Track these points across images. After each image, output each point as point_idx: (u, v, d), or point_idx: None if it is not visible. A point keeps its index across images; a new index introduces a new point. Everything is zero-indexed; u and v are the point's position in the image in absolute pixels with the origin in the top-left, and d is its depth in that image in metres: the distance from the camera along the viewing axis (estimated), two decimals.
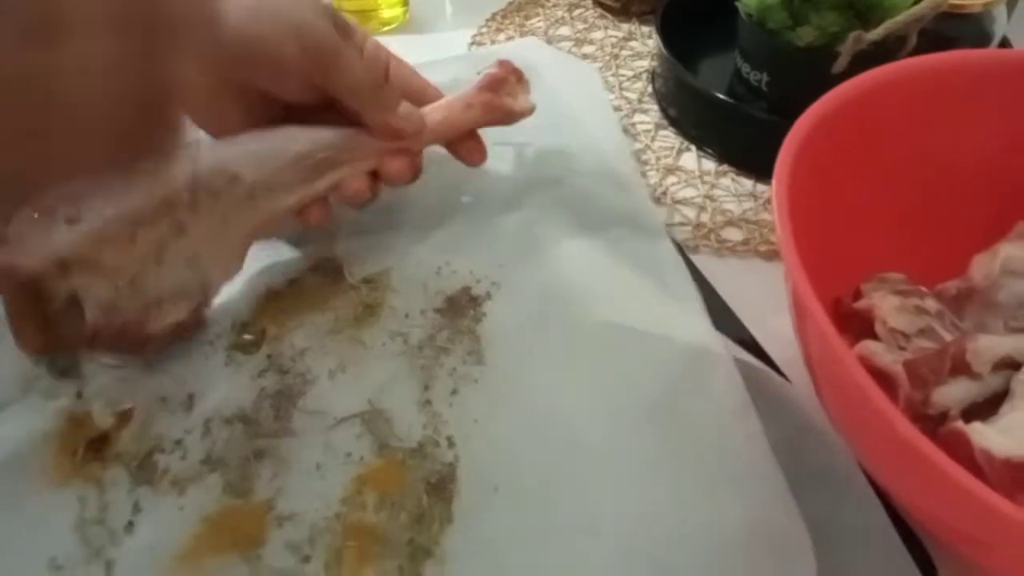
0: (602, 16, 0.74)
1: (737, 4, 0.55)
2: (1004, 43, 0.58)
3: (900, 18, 0.49)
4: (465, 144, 0.47)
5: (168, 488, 0.38)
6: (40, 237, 0.34)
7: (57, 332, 0.36)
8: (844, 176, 0.42)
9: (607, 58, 0.68)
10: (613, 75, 0.66)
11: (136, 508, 0.37)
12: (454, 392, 0.41)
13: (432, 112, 0.45)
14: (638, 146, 0.59)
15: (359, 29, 0.41)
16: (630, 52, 0.69)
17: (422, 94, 0.46)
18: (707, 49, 0.63)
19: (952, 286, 0.43)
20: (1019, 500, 0.30)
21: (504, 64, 0.48)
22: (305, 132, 0.41)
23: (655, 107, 0.63)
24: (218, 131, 0.40)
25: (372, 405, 0.41)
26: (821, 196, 0.38)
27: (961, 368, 0.35)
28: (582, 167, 0.51)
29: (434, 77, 0.49)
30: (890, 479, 0.34)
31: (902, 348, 0.39)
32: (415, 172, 0.45)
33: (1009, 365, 0.35)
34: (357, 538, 0.35)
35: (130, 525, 0.36)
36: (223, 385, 0.41)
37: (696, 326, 0.41)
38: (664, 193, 0.56)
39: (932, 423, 0.35)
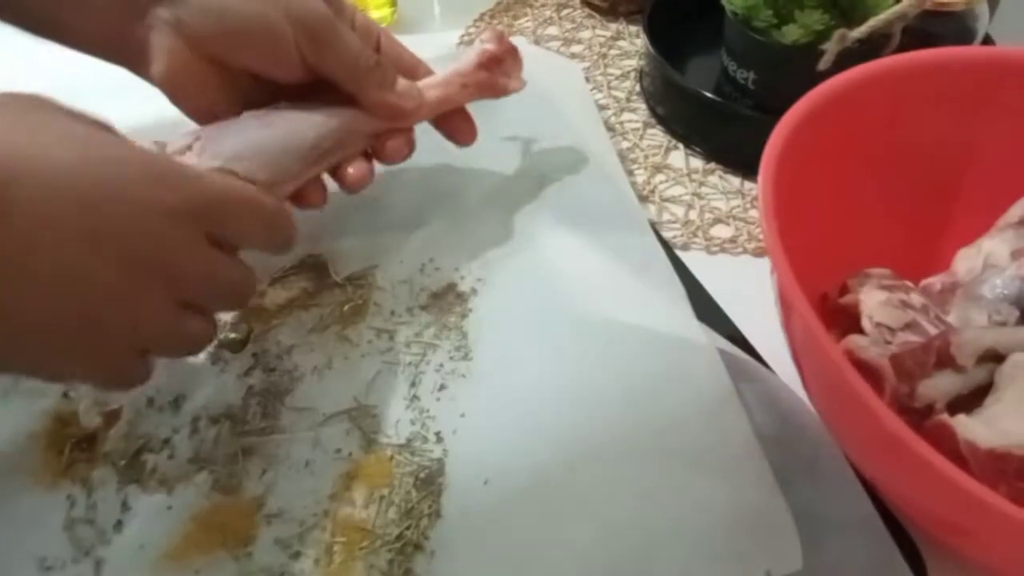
0: (590, 16, 0.74)
1: (723, 3, 0.55)
2: (987, 40, 0.59)
3: (884, 16, 0.49)
4: (455, 122, 0.45)
5: (156, 487, 0.37)
6: None
7: None
8: (829, 172, 0.42)
9: (595, 57, 0.69)
10: (601, 74, 0.67)
11: (125, 507, 0.37)
12: (441, 388, 0.41)
13: (428, 89, 0.43)
14: (626, 144, 0.60)
15: (350, 4, 0.40)
16: (618, 51, 0.69)
17: (414, 71, 0.45)
18: (694, 48, 0.64)
19: (937, 281, 0.43)
20: (1002, 490, 0.30)
21: (502, 41, 0.46)
22: (306, 118, 0.39)
23: (643, 106, 0.63)
24: (206, 116, 0.39)
25: (359, 402, 0.41)
26: (807, 192, 0.39)
27: (946, 361, 0.35)
28: (565, 163, 0.52)
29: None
30: (876, 470, 0.34)
31: (888, 342, 0.39)
32: (411, 147, 0.44)
33: (993, 358, 0.36)
34: (347, 533, 0.35)
35: (119, 524, 0.36)
36: (210, 384, 0.41)
37: (679, 317, 0.42)
38: (652, 191, 0.56)
39: (918, 416, 0.35)
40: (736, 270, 0.50)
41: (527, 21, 0.73)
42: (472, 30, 0.72)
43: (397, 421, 0.40)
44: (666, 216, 0.54)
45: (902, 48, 0.50)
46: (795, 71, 0.50)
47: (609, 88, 0.65)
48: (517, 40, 0.68)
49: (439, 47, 0.69)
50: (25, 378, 0.40)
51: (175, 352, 0.35)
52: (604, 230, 0.47)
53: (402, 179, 0.49)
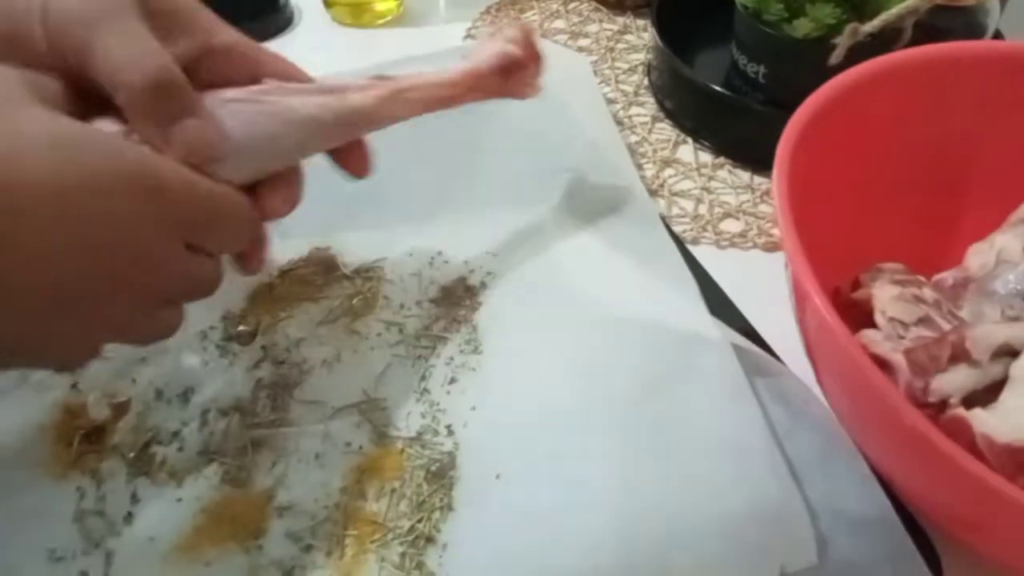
0: (597, 9, 0.74)
1: None
2: (997, 35, 0.59)
3: (896, 10, 0.49)
4: (352, 153, 0.38)
5: (166, 479, 0.37)
6: None
7: None
8: (841, 167, 0.42)
9: (602, 51, 0.68)
10: (609, 68, 0.66)
11: (134, 499, 0.37)
12: (452, 381, 0.41)
13: (432, 87, 0.39)
14: (634, 139, 0.59)
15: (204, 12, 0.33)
16: (625, 45, 0.69)
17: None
18: (703, 41, 0.63)
19: (949, 276, 0.43)
20: (1020, 484, 0.30)
21: (529, 45, 0.41)
22: (293, 115, 0.34)
23: (651, 100, 0.63)
24: None
25: (369, 395, 0.41)
26: (819, 187, 0.39)
27: (961, 355, 0.35)
28: (574, 156, 0.51)
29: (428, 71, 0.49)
30: (892, 464, 0.34)
31: (901, 337, 0.39)
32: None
33: (1007, 353, 0.35)
34: (358, 526, 0.35)
35: (129, 516, 0.36)
36: (219, 376, 0.41)
37: (691, 311, 0.42)
38: (661, 185, 0.56)
39: (931, 411, 0.35)
40: (746, 265, 0.50)
41: (534, 14, 0.73)
42: (479, 23, 0.72)
43: (408, 414, 0.40)
44: (675, 210, 0.54)
45: (913, 43, 0.50)
46: (806, 65, 0.50)
47: (617, 82, 0.65)
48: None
49: (445, 40, 0.69)
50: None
51: (142, 343, 0.33)
52: (615, 224, 0.47)
53: (411, 172, 0.49)
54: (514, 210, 0.49)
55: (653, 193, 0.55)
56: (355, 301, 0.45)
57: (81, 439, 0.38)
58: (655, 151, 0.58)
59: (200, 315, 0.43)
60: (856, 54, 0.47)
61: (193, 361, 0.42)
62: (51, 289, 0.27)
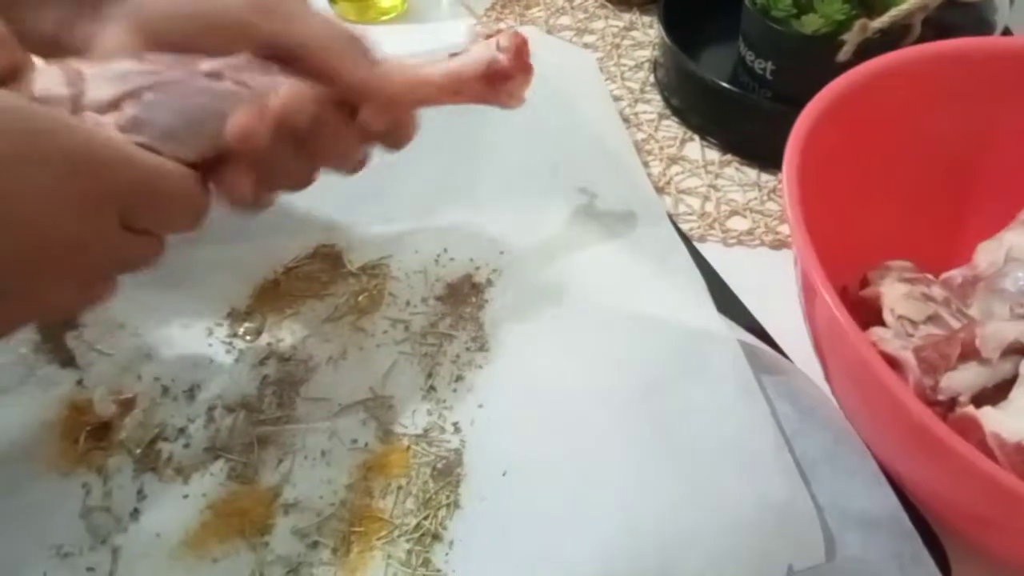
0: (603, 5, 0.73)
1: None
2: (1006, 32, 0.58)
3: (905, 7, 0.49)
4: None
5: (172, 475, 0.37)
6: None
7: None
8: (850, 163, 0.42)
9: (608, 48, 0.68)
10: (615, 65, 0.66)
11: (141, 495, 0.37)
12: (458, 378, 0.41)
13: (416, 86, 0.37)
14: (641, 136, 0.59)
15: None
16: (631, 42, 0.69)
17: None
18: (710, 38, 0.63)
19: (958, 274, 0.43)
20: None
21: (519, 55, 0.39)
22: (260, 96, 0.33)
23: (657, 97, 0.63)
24: None
25: (375, 392, 0.41)
26: (828, 184, 0.38)
27: (970, 353, 0.35)
28: (580, 153, 0.51)
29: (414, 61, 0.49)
30: (901, 462, 0.34)
31: (910, 335, 0.38)
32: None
33: (1017, 351, 0.35)
34: (364, 523, 0.35)
35: (135, 512, 0.36)
36: (225, 373, 0.41)
37: (699, 308, 0.41)
38: (668, 183, 0.55)
39: (941, 409, 0.35)
40: (753, 262, 0.50)
41: (539, 11, 0.73)
42: (484, 19, 0.72)
43: (414, 412, 0.40)
44: (682, 208, 0.54)
45: (922, 39, 0.50)
46: (814, 62, 0.50)
47: (623, 79, 0.65)
48: (529, 29, 0.68)
49: (450, 37, 0.69)
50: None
51: (69, 314, 0.34)
52: (621, 222, 0.47)
53: (416, 169, 0.49)
54: (520, 208, 0.48)
55: (660, 191, 0.55)
56: (361, 298, 0.45)
57: (87, 435, 0.38)
58: (662, 148, 0.58)
59: (206, 312, 0.43)
60: (865, 50, 0.47)
61: (199, 358, 0.42)
62: None
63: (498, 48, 0.39)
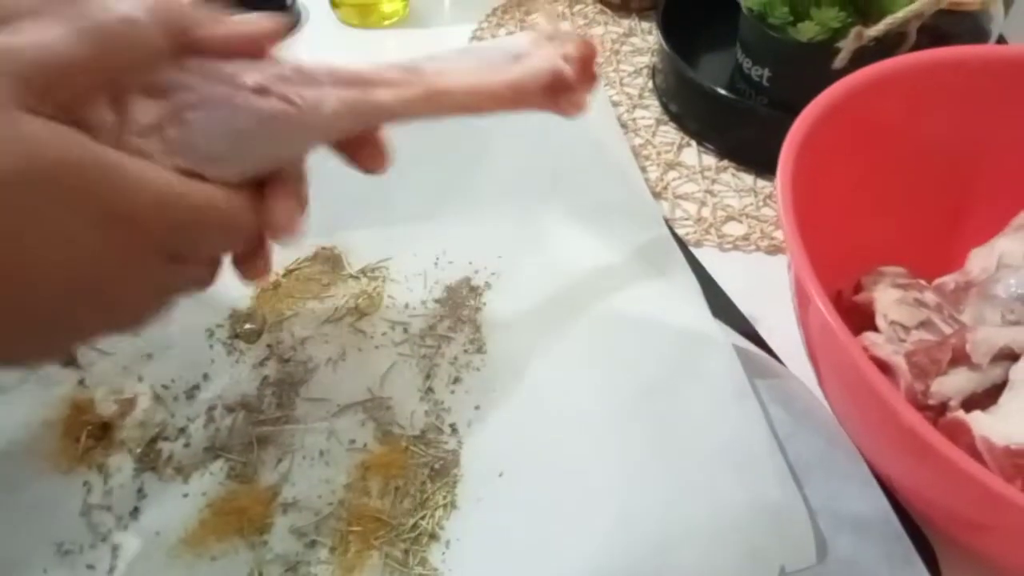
0: (602, 12, 0.74)
1: (739, 0, 0.55)
2: (1000, 40, 0.59)
3: (900, 14, 0.49)
4: (367, 150, 0.34)
5: (172, 475, 0.38)
6: None
7: None
8: (844, 170, 0.42)
9: (607, 54, 0.69)
10: (613, 70, 0.67)
11: (141, 494, 0.37)
12: (456, 380, 0.41)
13: (463, 93, 0.34)
14: (639, 141, 0.60)
15: None
16: (630, 48, 0.69)
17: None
18: (708, 45, 0.64)
19: (951, 280, 0.43)
20: (1018, 486, 0.30)
21: (587, 68, 0.36)
22: (307, 116, 0.30)
23: (656, 103, 0.63)
24: None
25: (374, 393, 0.41)
26: (822, 190, 0.39)
27: (961, 359, 0.36)
28: (578, 158, 0.51)
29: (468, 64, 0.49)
30: (891, 465, 0.34)
31: (902, 340, 0.39)
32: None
33: (1008, 356, 0.36)
34: (362, 523, 0.36)
35: (135, 511, 0.36)
36: (225, 373, 0.42)
37: (694, 313, 0.42)
38: (665, 188, 0.56)
39: (932, 414, 0.36)
40: (749, 267, 0.50)
41: (539, 16, 0.73)
42: (484, 24, 0.72)
43: (412, 413, 0.40)
44: (679, 213, 0.54)
45: (917, 47, 0.50)
46: (810, 68, 0.50)
47: (621, 84, 0.65)
48: (527, 35, 0.69)
49: (451, 41, 0.70)
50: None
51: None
52: (618, 225, 0.47)
53: (416, 173, 0.49)
54: (518, 212, 0.49)
55: (657, 196, 0.55)
56: (360, 300, 0.45)
57: (88, 434, 0.39)
58: (659, 154, 0.59)
59: (207, 313, 0.44)
60: (860, 58, 0.48)
61: (200, 358, 0.42)
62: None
63: (563, 55, 0.36)
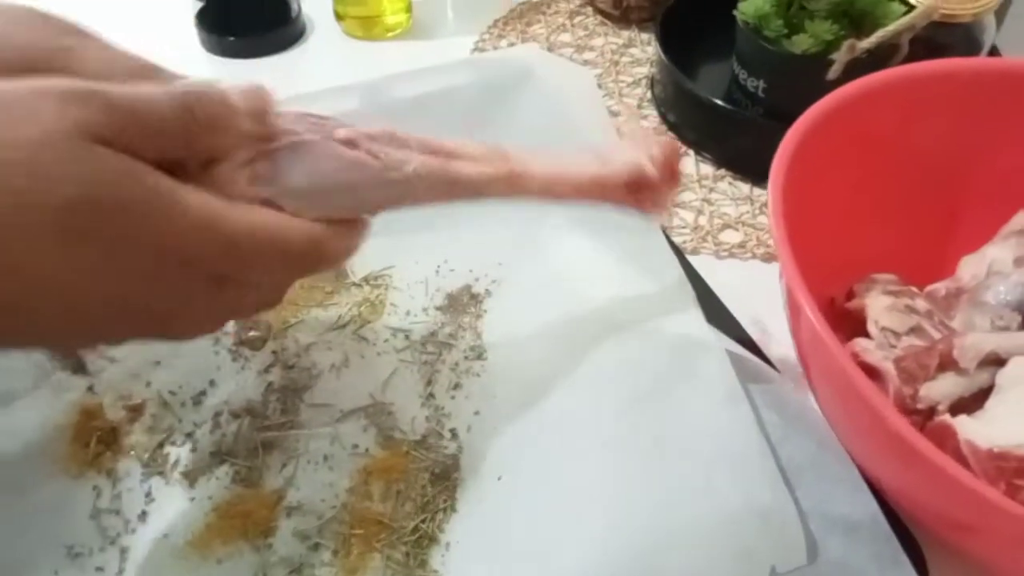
0: (602, 23, 0.75)
1: (735, 12, 0.56)
2: (993, 51, 0.60)
3: (892, 27, 0.50)
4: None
5: (179, 479, 0.39)
6: None
7: None
8: (838, 179, 0.43)
9: (607, 64, 0.70)
10: (613, 81, 0.68)
11: (149, 498, 0.38)
12: (456, 386, 0.42)
13: (553, 184, 0.35)
14: None
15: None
16: (630, 59, 0.70)
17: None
18: (705, 56, 0.65)
19: (942, 286, 0.44)
20: (1001, 488, 0.31)
21: (671, 167, 0.37)
22: (392, 173, 0.32)
23: (654, 112, 0.64)
24: None
25: (376, 399, 0.42)
26: (815, 199, 0.40)
27: (948, 364, 0.36)
28: None
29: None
30: (880, 468, 0.35)
31: (893, 346, 0.40)
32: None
33: (994, 361, 0.37)
34: (364, 526, 0.37)
35: (143, 514, 0.37)
36: (231, 380, 0.43)
37: (689, 320, 0.42)
38: None
39: (921, 417, 0.36)
40: (745, 275, 0.51)
41: (540, 28, 0.75)
42: (486, 36, 0.73)
43: (413, 418, 0.41)
44: (676, 221, 0.55)
45: (910, 58, 0.51)
46: (805, 80, 0.51)
47: (621, 95, 0.66)
48: (529, 47, 0.70)
49: (453, 52, 0.71)
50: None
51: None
52: (616, 234, 0.48)
53: None
54: (518, 220, 0.50)
55: None
56: (363, 308, 0.46)
57: (98, 439, 0.40)
58: None
59: None
60: (854, 69, 0.49)
61: (206, 365, 0.43)
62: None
63: (648, 155, 0.37)
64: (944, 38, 0.55)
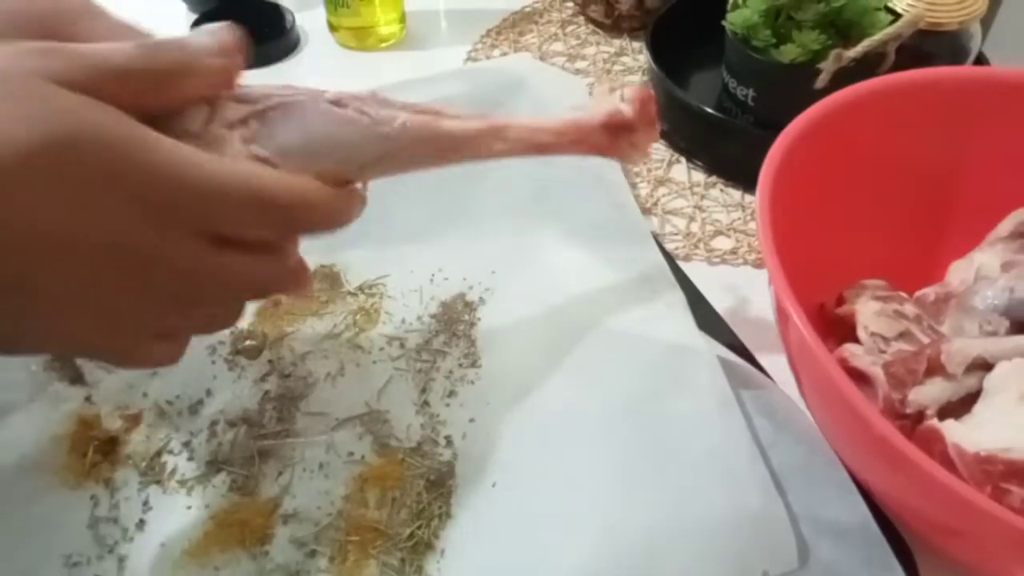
0: (594, 32, 0.76)
1: (724, 22, 0.57)
2: (980, 59, 0.60)
3: (878, 37, 0.51)
4: None
5: (176, 488, 0.39)
6: None
7: None
8: (826, 186, 0.44)
9: (599, 73, 0.70)
10: None
11: (146, 507, 0.38)
12: (451, 394, 0.42)
13: (531, 132, 0.36)
14: None
15: None
16: (621, 67, 0.71)
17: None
18: (695, 65, 0.65)
19: (931, 292, 0.45)
20: (987, 492, 0.31)
21: (645, 109, 0.38)
22: (384, 128, 0.33)
23: None
24: None
25: (371, 407, 0.42)
26: (804, 205, 0.40)
27: (936, 369, 0.37)
28: (570, 176, 0.53)
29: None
30: (869, 473, 0.35)
31: (882, 351, 0.40)
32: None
33: (981, 366, 0.37)
34: (360, 533, 0.37)
35: (141, 523, 0.38)
36: (227, 389, 0.43)
37: (680, 326, 0.43)
38: (655, 204, 0.57)
39: (909, 422, 0.37)
40: (736, 281, 0.52)
41: (532, 37, 0.75)
42: (479, 46, 0.74)
43: (408, 426, 0.41)
44: (668, 228, 0.55)
45: (897, 67, 0.52)
46: (793, 89, 0.52)
47: None
48: (522, 56, 0.71)
49: (446, 62, 0.71)
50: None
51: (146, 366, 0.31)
52: (608, 241, 0.49)
53: (412, 192, 0.50)
54: (511, 229, 0.50)
55: (647, 211, 0.56)
56: (358, 317, 0.47)
57: (95, 449, 0.40)
58: (649, 170, 0.60)
59: None
60: (841, 78, 0.49)
61: (202, 375, 0.43)
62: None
63: (622, 99, 0.38)
64: (930, 47, 0.56)
